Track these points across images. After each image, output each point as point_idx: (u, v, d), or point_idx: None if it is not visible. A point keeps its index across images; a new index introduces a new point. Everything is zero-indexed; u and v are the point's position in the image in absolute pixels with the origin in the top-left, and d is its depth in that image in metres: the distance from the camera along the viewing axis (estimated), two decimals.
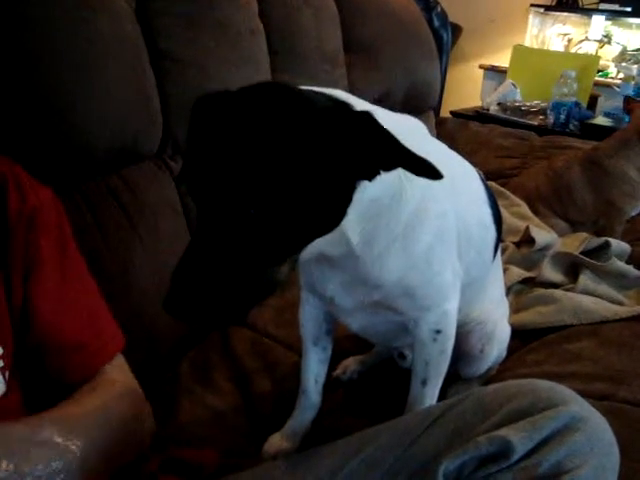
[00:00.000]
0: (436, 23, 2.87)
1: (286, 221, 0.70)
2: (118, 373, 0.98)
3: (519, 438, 0.73)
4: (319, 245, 0.80)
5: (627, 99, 2.45)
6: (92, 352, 0.95)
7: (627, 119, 2.52)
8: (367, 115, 0.72)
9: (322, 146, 0.70)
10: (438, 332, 1.01)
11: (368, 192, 0.79)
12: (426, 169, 0.71)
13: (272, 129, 0.69)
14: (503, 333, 1.29)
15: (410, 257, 0.91)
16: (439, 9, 2.90)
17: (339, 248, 0.85)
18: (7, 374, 0.84)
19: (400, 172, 0.81)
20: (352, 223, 0.82)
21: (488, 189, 1.12)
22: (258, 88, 0.75)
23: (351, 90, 2.16)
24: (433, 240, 0.92)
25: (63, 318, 0.92)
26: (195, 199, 0.72)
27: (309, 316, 1.14)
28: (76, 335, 0.94)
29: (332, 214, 0.76)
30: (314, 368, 1.17)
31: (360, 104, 0.82)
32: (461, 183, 1.03)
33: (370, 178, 0.75)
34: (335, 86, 1.99)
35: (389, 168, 0.74)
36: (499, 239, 1.16)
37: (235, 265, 0.70)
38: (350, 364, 1.36)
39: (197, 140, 0.73)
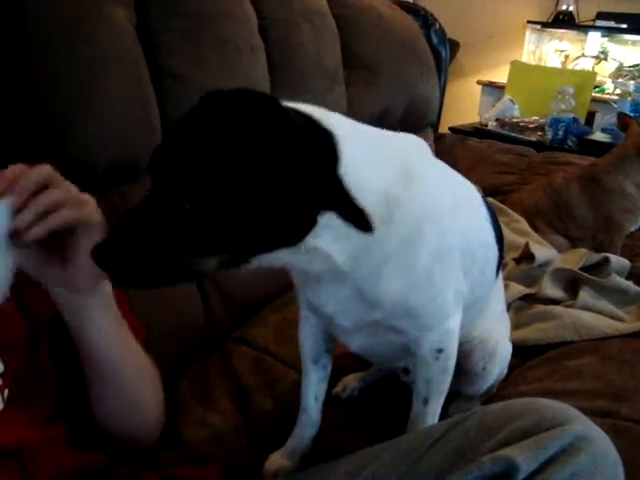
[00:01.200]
0: (434, 40, 2.88)
1: (215, 222, 0.71)
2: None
3: (524, 458, 0.73)
4: (290, 263, 0.84)
5: (620, 115, 2.46)
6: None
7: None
8: (327, 139, 0.75)
9: (268, 161, 0.71)
10: (440, 351, 1.00)
11: (340, 222, 0.79)
12: (359, 219, 0.77)
13: (223, 133, 0.71)
14: (504, 351, 1.28)
15: (409, 278, 0.90)
16: (437, 26, 2.91)
17: (324, 264, 0.84)
18: (6, 392, 0.84)
19: (390, 199, 0.82)
20: (328, 242, 0.81)
21: (490, 208, 1.12)
22: (231, 93, 0.76)
23: (350, 107, 2.17)
24: (432, 261, 0.90)
25: None
26: (151, 174, 0.76)
27: (308, 334, 1.13)
28: None
29: (277, 228, 0.75)
30: (314, 386, 1.16)
31: (348, 127, 0.83)
32: (464, 203, 1.03)
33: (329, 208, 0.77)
34: (334, 103, 2.01)
35: (327, 207, 0.76)
36: (501, 258, 1.16)
37: (161, 242, 0.73)
38: (350, 381, 1.36)
39: (172, 128, 0.77)
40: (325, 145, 0.76)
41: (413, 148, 0.96)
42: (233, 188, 0.70)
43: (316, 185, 0.74)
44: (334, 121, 0.79)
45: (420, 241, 0.88)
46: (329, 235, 0.79)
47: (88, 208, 0.81)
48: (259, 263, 0.79)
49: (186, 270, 0.76)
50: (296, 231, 0.77)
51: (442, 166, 1.03)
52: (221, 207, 0.71)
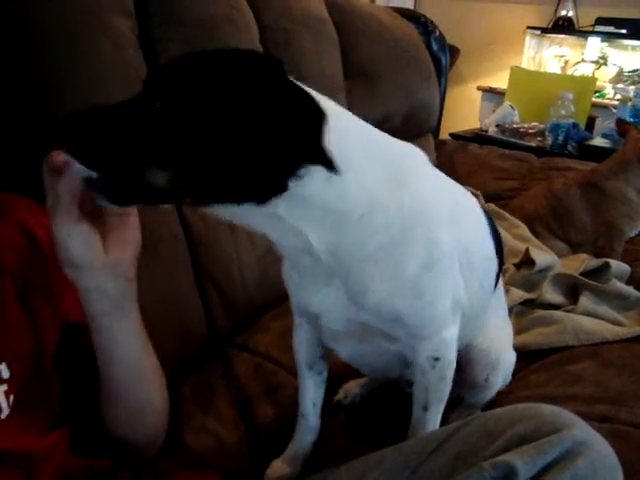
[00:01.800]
0: (434, 47, 2.90)
1: (176, 131, 0.72)
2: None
3: (523, 463, 0.73)
4: (270, 230, 0.84)
5: (618, 121, 2.47)
6: None
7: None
8: (307, 98, 0.76)
9: (252, 99, 0.72)
10: (436, 359, 0.99)
11: (321, 197, 0.78)
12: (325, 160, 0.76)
13: (222, 64, 0.75)
14: (508, 362, 1.28)
15: (393, 283, 0.89)
16: (437, 33, 2.93)
17: (297, 242, 0.84)
18: (11, 398, 0.84)
19: (371, 196, 0.82)
20: (306, 224, 0.81)
21: (489, 218, 1.11)
22: (254, 55, 0.79)
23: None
24: (420, 270, 0.89)
25: None
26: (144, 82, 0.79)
27: (303, 341, 1.13)
28: None
29: (248, 173, 0.74)
30: (311, 392, 1.16)
31: (342, 114, 0.83)
32: (462, 215, 1.02)
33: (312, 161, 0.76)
34: None
35: (298, 156, 0.75)
36: (501, 268, 1.16)
37: (124, 134, 0.74)
38: (351, 388, 1.36)
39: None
40: (312, 111, 0.76)
41: (410, 156, 0.94)
42: (206, 107, 0.72)
43: (293, 139, 0.73)
44: (331, 105, 0.80)
45: (407, 247, 0.87)
46: (296, 208, 0.79)
47: None
48: (223, 214, 0.80)
49: (136, 174, 0.74)
50: (258, 185, 0.76)
51: (440, 176, 1.01)
52: (188, 117, 0.72)
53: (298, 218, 0.80)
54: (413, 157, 0.94)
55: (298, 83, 0.78)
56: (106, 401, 0.97)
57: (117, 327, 0.90)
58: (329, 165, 0.76)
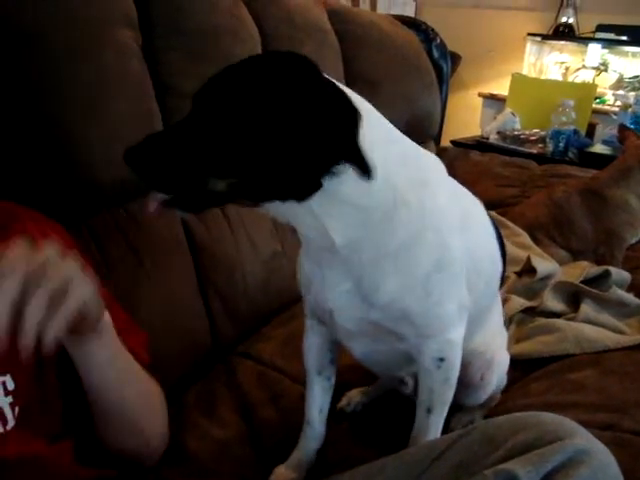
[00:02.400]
0: (436, 54, 2.91)
1: (231, 143, 0.80)
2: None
3: (525, 472, 0.73)
4: (294, 220, 0.89)
5: (621, 127, 2.48)
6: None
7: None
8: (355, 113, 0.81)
9: (293, 106, 0.78)
10: (442, 360, 1.01)
11: (352, 194, 0.84)
12: (362, 165, 0.82)
13: (262, 75, 0.81)
14: (502, 361, 1.29)
15: (405, 280, 0.92)
16: (439, 40, 2.94)
17: (320, 237, 0.89)
18: (17, 410, 0.85)
19: (397, 193, 0.87)
20: (334, 221, 0.86)
21: (495, 224, 1.14)
22: (296, 57, 0.84)
23: None
24: (431, 271, 0.93)
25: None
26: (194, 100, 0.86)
27: (313, 345, 1.15)
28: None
29: (291, 173, 0.81)
30: (318, 398, 1.17)
31: (382, 123, 0.91)
32: (473, 222, 1.06)
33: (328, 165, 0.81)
34: None
35: (335, 158, 0.81)
36: (504, 270, 1.18)
37: (185, 153, 0.81)
38: (354, 395, 1.36)
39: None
40: (349, 112, 0.81)
41: (433, 163, 1.00)
42: (252, 116, 0.78)
43: (330, 138, 0.79)
44: (364, 104, 0.86)
45: (421, 248, 0.91)
46: (328, 204, 0.84)
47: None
48: (269, 211, 0.87)
49: (201, 187, 0.82)
50: (302, 183, 0.82)
51: (455, 184, 1.06)
52: (238, 128, 0.79)
53: (328, 214, 0.85)
54: (435, 164, 1.00)
55: (333, 81, 0.84)
56: (96, 424, 0.98)
57: (86, 368, 0.89)
58: (363, 164, 0.81)
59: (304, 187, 0.82)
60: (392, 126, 0.93)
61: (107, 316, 0.88)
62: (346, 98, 0.82)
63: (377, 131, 0.86)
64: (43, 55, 1.22)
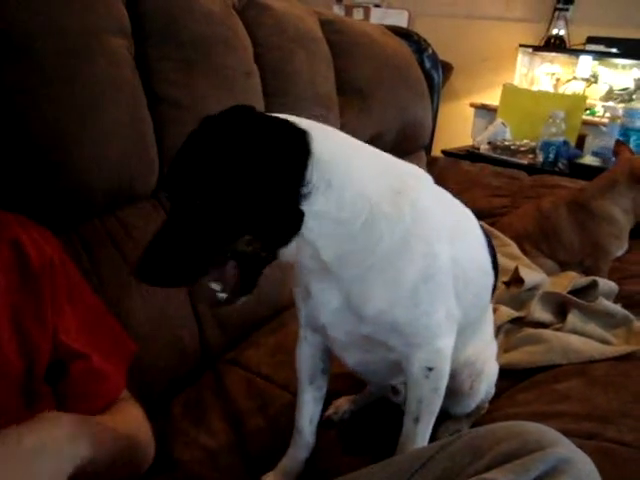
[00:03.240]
0: (427, 65, 2.93)
1: (225, 212, 0.84)
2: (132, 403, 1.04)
3: None
4: (298, 254, 0.91)
5: (617, 142, 2.50)
6: (117, 380, 1.02)
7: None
8: (303, 136, 0.86)
9: (254, 161, 0.83)
10: (430, 369, 1.02)
11: (324, 209, 0.87)
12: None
13: (217, 145, 0.84)
14: (491, 371, 1.30)
15: (393, 292, 0.94)
16: (430, 51, 2.96)
17: (313, 259, 0.92)
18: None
19: (371, 204, 0.90)
20: (321, 238, 0.89)
21: (486, 235, 1.15)
22: (225, 112, 0.88)
23: (343, 131, 2.19)
24: (419, 280, 0.94)
25: (90, 348, 0.97)
26: (167, 195, 0.90)
27: (306, 354, 1.16)
28: (102, 362, 0.99)
29: (278, 214, 0.86)
30: (309, 407, 1.18)
31: (341, 140, 0.96)
32: (463, 231, 1.07)
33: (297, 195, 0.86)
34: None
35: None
36: (496, 282, 1.19)
37: (191, 241, 0.85)
38: (342, 404, 1.37)
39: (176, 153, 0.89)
40: (297, 142, 0.86)
41: (412, 173, 1.00)
42: (229, 185, 0.83)
43: (291, 175, 0.84)
44: (313, 126, 0.90)
45: (407, 258, 0.93)
46: (319, 230, 0.88)
47: None
48: (285, 256, 0.91)
49: (234, 253, 0.87)
50: (289, 221, 0.87)
51: (443, 194, 1.08)
52: (220, 199, 0.83)
53: (317, 234, 0.89)
54: (416, 175, 1.01)
55: (276, 116, 0.89)
56: None
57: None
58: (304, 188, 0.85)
59: (293, 219, 0.86)
60: (360, 142, 0.98)
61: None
62: (284, 131, 0.86)
63: (337, 147, 0.91)
64: (36, 64, 1.22)
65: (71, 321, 0.95)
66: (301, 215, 0.86)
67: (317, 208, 0.86)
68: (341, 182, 0.87)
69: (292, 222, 0.87)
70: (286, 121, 0.88)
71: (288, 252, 0.90)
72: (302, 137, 0.86)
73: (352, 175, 0.89)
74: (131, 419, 1.02)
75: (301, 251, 0.90)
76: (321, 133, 0.88)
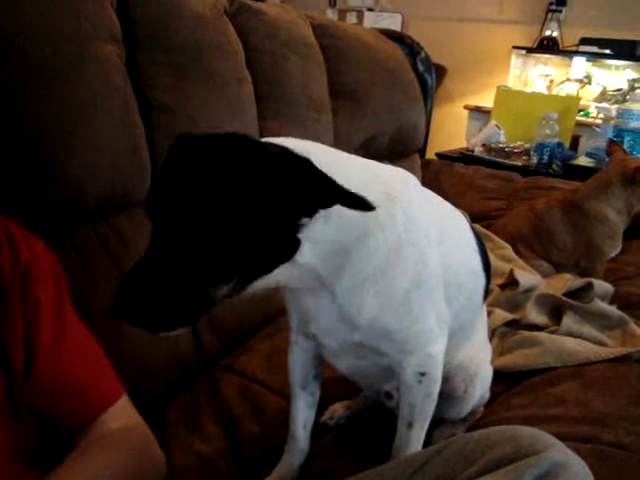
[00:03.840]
0: (420, 68, 2.93)
1: (223, 247, 0.77)
2: (119, 421, 0.99)
3: None
4: (283, 281, 0.89)
5: (610, 142, 2.50)
6: (91, 398, 0.98)
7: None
8: (305, 161, 0.78)
9: (259, 185, 0.77)
10: (423, 374, 1.03)
11: (323, 233, 0.85)
12: (358, 203, 0.78)
13: (219, 169, 0.77)
14: (486, 375, 1.30)
15: (385, 300, 0.94)
16: (423, 54, 2.96)
17: (311, 278, 0.90)
18: None
19: (369, 218, 0.87)
20: (316, 259, 0.87)
21: (478, 237, 1.15)
22: (220, 136, 0.82)
23: (337, 135, 2.20)
24: (410, 287, 0.94)
25: (63, 365, 0.94)
26: (152, 220, 0.80)
27: (298, 360, 1.16)
28: (76, 382, 0.96)
29: (275, 244, 0.82)
30: (302, 413, 1.18)
31: (333, 156, 0.92)
32: (451, 234, 1.07)
33: (310, 215, 0.82)
34: (322, 132, 2.03)
35: (325, 205, 0.81)
36: (488, 285, 1.19)
37: (177, 278, 0.77)
38: (337, 409, 1.37)
39: (161, 174, 0.81)
40: (298, 163, 0.80)
41: (399, 178, 1.00)
42: (229, 214, 0.76)
43: (310, 195, 0.79)
44: (309, 147, 0.86)
45: (399, 264, 0.92)
46: (315, 253, 0.86)
47: None
48: (258, 286, 0.85)
49: (208, 298, 0.79)
50: (286, 248, 0.83)
51: (430, 196, 1.07)
52: (222, 233, 0.76)
53: (310, 257, 0.86)
54: (402, 179, 1.00)
55: (269, 142, 0.85)
56: None
57: None
58: (357, 201, 0.79)
59: (288, 249, 0.84)
60: (346, 154, 0.96)
61: None
62: (290, 153, 0.82)
63: (334, 169, 0.84)
64: (27, 70, 1.22)
65: (49, 335, 0.93)
66: (297, 244, 0.84)
67: (314, 234, 0.84)
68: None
69: (285, 252, 0.84)
70: (286, 150, 0.83)
71: (275, 280, 0.87)
72: (301, 159, 0.81)
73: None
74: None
75: (289, 277, 0.88)
76: (317, 157, 0.83)
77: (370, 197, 0.86)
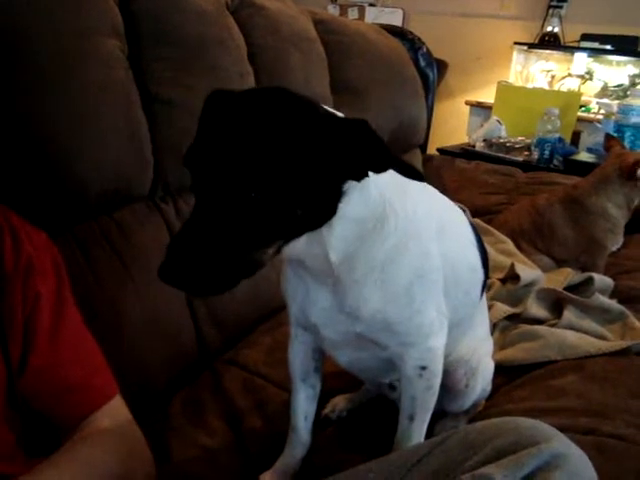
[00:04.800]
0: (422, 63, 2.93)
1: (279, 206, 0.76)
2: (112, 419, 0.99)
3: (502, 476, 0.74)
4: (303, 252, 0.88)
5: (607, 136, 2.50)
6: (84, 395, 0.98)
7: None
8: (363, 122, 0.78)
9: (317, 143, 0.76)
10: (423, 368, 1.03)
11: (353, 208, 0.85)
12: (410, 171, 0.79)
13: (274, 125, 0.75)
14: (487, 368, 1.31)
15: (388, 291, 0.94)
16: (424, 49, 2.96)
17: (319, 262, 0.90)
18: None
19: (386, 201, 0.88)
20: (335, 240, 0.87)
21: (475, 231, 1.16)
22: (267, 90, 0.82)
23: None
24: (413, 278, 0.95)
25: (58, 361, 0.94)
26: (196, 181, 0.78)
27: (298, 353, 1.16)
28: (69, 379, 0.96)
29: (321, 207, 0.82)
30: (303, 405, 1.18)
31: None
32: (451, 228, 1.08)
33: (359, 178, 0.81)
34: None
35: (378, 170, 0.80)
36: (486, 279, 1.20)
37: (226, 242, 0.75)
38: (339, 402, 1.37)
39: (206, 130, 0.79)
40: (354, 121, 0.79)
41: None
42: (289, 172, 0.75)
43: (365, 156, 0.78)
44: None
45: (405, 256, 0.93)
46: (337, 230, 0.86)
47: None
48: (287, 252, 0.85)
49: (254, 262, 0.79)
50: (331, 209, 0.83)
51: (432, 191, 1.08)
52: (281, 191, 0.75)
53: (333, 234, 0.87)
54: None
55: (326, 109, 0.82)
56: None
57: None
58: (408, 168, 0.79)
59: (325, 215, 0.84)
60: None
61: None
62: (339, 120, 0.81)
63: None
64: (31, 66, 1.23)
65: (47, 329, 0.93)
66: (334, 212, 0.83)
67: (348, 207, 0.84)
68: (370, 181, 0.85)
69: (323, 217, 0.83)
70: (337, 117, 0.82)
71: (294, 249, 0.86)
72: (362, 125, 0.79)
73: (379, 175, 0.86)
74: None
75: (309, 250, 0.88)
76: None
77: (388, 186, 0.90)
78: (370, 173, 0.81)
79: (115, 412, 1.01)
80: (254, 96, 0.81)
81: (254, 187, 0.74)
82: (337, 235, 0.87)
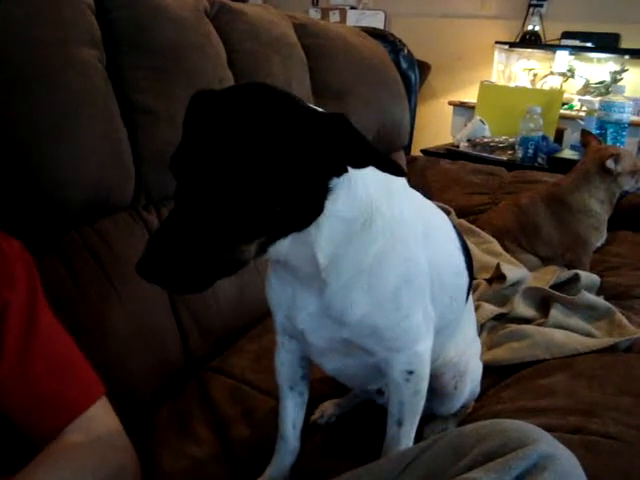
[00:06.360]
0: (404, 65, 2.94)
1: (256, 201, 0.75)
2: (86, 432, 0.97)
3: (490, 479, 0.74)
4: (289, 254, 0.87)
5: (583, 132, 2.52)
6: (58, 407, 0.96)
7: None
8: (340, 115, 0.77)
9: (293, 136, 0.76)
10: (411, 373, 1.02)
11: (341, 207, 0.85)
12: (390, 165, 0.78)
13: (251, 119, 0.76)
14: (476, 370, 1.31)
15: (375, 296, 0.93)
16: (406, 51, 2.97)
17: (306, 265, 0.90)
18: None
19: (373, 201, 0.88)
20: (323, 240, 0.87)
21: (460, 235, 1.16)
22: (246, 86, 0.82)
23: None
24: (400, 283, 0.95)
25: (30, 372, 0.93)
26: (179, 183, 0.78)
27: (284, 361, 1.15)
28: (42, 389, 0.95)
29: (304, 204, 0.81)
30: (291, 413, 1.17)
31: None
32: (436, 233, 1.07)
33: (338, 173, 0.80)
34: None
35: (357, 164, 0.79)
36: (471, 282, 1.19)
37: (205, 237, 0.75)
38: (327, 408, 1.37)
39: (189, 131, 0.79)
40: (333, 115, 0.78)
41: (392, 178, 0.99)
42: (267, 169, 0.75)
43: (344, 150, 0.77)
44: None
45: (391, 260, 0.93)
46: (325, 231, 0.86)
47: None
48: (271, 254, 0.85)
49: (234, 261, 0.79)
50: (314, 208, 0.83)
51: (416, 195, 1.07)
52: (260, 185, 0.74)
53: (321, 233, 0.86)
54: (395, 179, 0.98)
55: (305, 104, 0.82)
56: None
57: None
58: (391, 164, 0.78)
59: (311, 213, 0.83)
60: None
61: None
62: (322, 115, 0.80)
63: None
64: (9, 77, 1.22)
65: (16, 337, 0.92)
66: (321, 210, 0.83)
67: (335, 206, 0.84)
68: (357, 180, 0.85)
69: (308, 216, 0.83)
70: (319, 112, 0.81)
71: (281, 249, 0.85)
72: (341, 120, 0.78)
73: (364, 174, 0.86)
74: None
75: (296, 251, 0.87)
76: None
77: (376, 187, 0.89)
78: (351, 169, 0.80)
79: (94, 423, 0.99)
80: (233, 92, 0.81)
81: (231, 181, 0.74)
82: (325, 235, 0.86)
